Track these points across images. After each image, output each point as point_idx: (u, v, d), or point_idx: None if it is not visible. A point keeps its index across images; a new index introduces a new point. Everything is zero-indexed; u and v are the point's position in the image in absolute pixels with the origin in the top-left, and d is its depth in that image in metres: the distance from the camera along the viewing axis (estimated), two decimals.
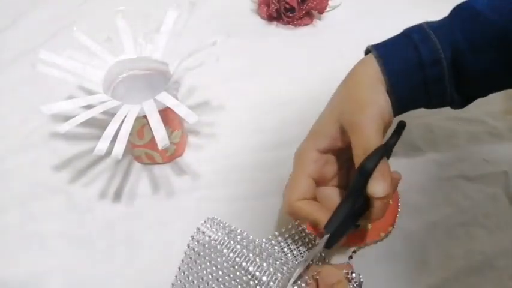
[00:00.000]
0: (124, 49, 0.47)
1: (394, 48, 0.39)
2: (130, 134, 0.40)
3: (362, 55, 0.44)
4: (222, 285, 0.36)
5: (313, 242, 0.40)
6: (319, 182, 0.39)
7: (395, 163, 0.49)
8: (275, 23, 0.68)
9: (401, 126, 0.39)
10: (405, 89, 0.38)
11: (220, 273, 0.37)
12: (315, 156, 0.38)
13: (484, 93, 0.41)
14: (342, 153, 0.39)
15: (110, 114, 0.41)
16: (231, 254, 0.37)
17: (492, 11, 0.37)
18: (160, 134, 0.39)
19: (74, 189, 0.48)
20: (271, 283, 0.35)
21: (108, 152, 0.38)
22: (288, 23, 0.67)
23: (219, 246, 0.38)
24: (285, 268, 0.37)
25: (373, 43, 0.42)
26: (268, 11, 0.67)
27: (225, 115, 0.55)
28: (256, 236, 0.44)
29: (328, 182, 0.40)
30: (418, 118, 0.51)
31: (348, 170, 0.40)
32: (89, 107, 0.41)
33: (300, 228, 0.40)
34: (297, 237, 0.40)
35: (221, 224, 0.41)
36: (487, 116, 0.53)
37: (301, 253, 0.39)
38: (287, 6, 0.65)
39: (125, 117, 0.40)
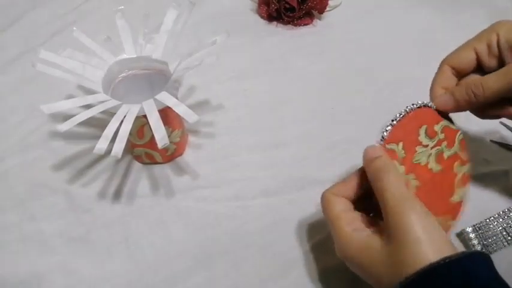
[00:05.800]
0: (124, 49, 0.47)
1: None
2: (130, 134, 0.40)
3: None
4: None
5: None
6: None
7: None
8: (275, 22, 0.68)
9: None
10: None
11: None
12: None
13: None
14: None
15: (110, 113, 0.41)
16: None
17: None
18: (160, 134, 0.39)
19: (74, 189, 0.48)
20: None
21: (108, 152, 0.38)
22: (288, 22, 0.67)
23: None
24: None
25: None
26: (268, 11, 0.67)
27: (225, 114, 0.55)
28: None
29: None
30: None
31: None
32: (88, 106, 0.41)
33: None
34: None
35: None
36: None
37: None
38: (287, 5, 0.65)
39: (125, 116, 0.40)
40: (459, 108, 0.38)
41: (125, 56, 0.47)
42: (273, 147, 0.51)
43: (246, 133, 0.53)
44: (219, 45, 0.44)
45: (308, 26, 0.67)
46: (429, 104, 0.38)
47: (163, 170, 0.49)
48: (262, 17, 0.68)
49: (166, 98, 0.41)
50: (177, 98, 0.42)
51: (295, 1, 0.64)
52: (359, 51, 0.63)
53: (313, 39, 0.65)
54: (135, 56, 0.47)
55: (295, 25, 0.67)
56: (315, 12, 0.68)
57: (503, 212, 0.43)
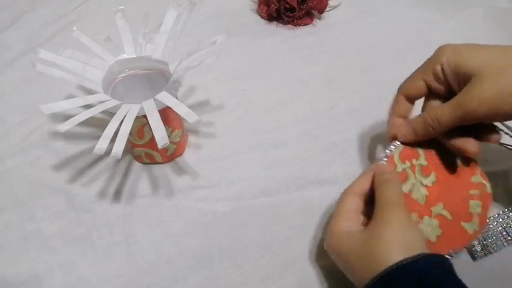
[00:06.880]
0: (124, 49, 0.47)
1: None
2: (130, 134, 0.40)
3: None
4: None
5: None
6: None
7: None
8: (275, 22, 0.68)
9: None
10: None
11: None
12: None
13: None
14: None
15: (110, 113, 0.41)
16: None
17: None
18: (160, 134, 0.39)
19: (74, 189, 0.48)
20: None
21: (108, 152, 0.38)
22: (288, 22, 0.67)
23: None
24: None
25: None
26: (268, 11, 0.67)
27: (225, 114, 0.55)
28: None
29: None
30: None
31: None
32: (88, 106, 0.41)
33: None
34: None
35: None
36: None
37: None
38: (287, 5, 0.65)
39: (125, 116, 0.40)
40: (419, 139, 0.40)
41: (124, 56, 0.47)
42: (273, 147, 0.51)
43: (246, 133, 0.53)
44: (219, 45, 0.44)
45: (308, 26, 0.67)
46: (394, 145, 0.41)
47: (163, 170, 0.49)
48: (262, 17, 0.68)
49: (166, 98, 0.41)
50: (177, 98, 0.42)
51: (295, 1, 0.64)
52: (359, 51, 0.63)
53: (313, 39, 0.65)
54: (135, 56, 0.47)
55: (295, 25, 0.67)
56: (315, 12, 0.68)
57: (502, 212, 0.43)
